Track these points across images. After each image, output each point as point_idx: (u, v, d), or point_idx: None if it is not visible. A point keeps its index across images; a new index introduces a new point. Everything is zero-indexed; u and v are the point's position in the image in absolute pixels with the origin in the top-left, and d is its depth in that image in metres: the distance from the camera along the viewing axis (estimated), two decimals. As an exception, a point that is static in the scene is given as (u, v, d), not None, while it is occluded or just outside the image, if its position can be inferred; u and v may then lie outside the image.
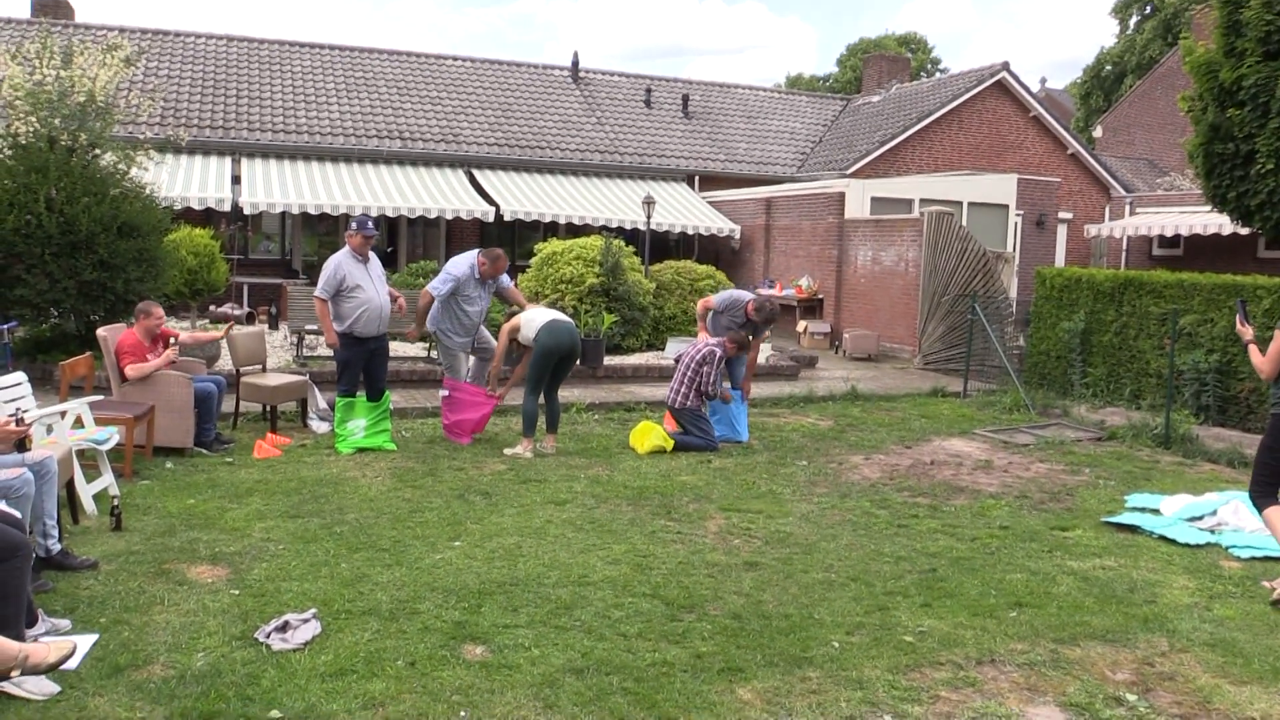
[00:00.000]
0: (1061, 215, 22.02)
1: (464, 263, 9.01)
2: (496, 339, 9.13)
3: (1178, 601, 5.48)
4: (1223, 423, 10.56)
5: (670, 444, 8.84)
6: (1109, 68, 44.72)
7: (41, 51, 11.02)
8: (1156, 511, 7.27)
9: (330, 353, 9.22)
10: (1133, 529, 6.88)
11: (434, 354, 12.54)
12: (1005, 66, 22.72)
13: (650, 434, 8.85)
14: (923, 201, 17.06)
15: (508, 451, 8.53)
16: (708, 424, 9.07)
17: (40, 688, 3.87)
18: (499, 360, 8.92)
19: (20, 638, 4.05)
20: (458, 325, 9.07)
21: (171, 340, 8.39)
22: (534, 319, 8.60)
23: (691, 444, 8.93)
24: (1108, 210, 23.82)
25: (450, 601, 5.04)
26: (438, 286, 8.93)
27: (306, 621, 4.61)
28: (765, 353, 14.36)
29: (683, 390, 9.06)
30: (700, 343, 9.21)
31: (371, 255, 8.68)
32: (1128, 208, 23.17)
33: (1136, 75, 40.37)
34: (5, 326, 10.06)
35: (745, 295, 9.62)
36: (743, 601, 5.22)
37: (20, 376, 6.57)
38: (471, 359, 9.46)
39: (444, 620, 4.78)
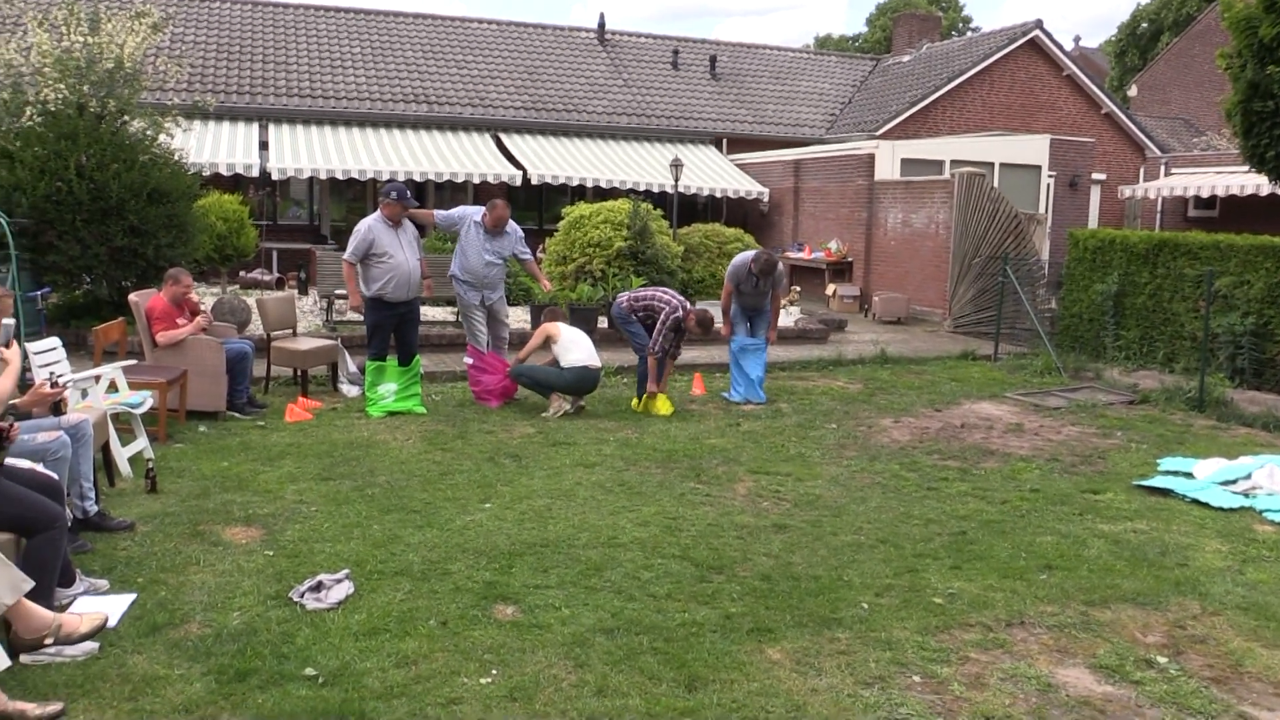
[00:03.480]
0: (1095, 176, 21.66)
1: (475, 208, 9.27)
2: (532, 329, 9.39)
3: (1210, 565, 5.44)
4: (1258, 386, 10.42)
5: (667, 407, 8.88)
6: (1145, 25, 43.76)
7: (69, 18, 11.03)
8: (1189, 475, 7.20)
9: (359, 317, 9.30)
10: (1165, 492, 6.83)
11: (461, 318, 12.56)
12: (1038, 25, 22.30)
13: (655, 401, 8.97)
14: (954, 163, 16.82)
15: (544, 415, 8.59)
16: (638, 334, 9.12)
17: (82, 648, 3.95)
18: (525, 355, 8.89)
19: (51, 603, 4.12)
20: (465, 274, 9.07)
21: (202, 307, 8.46)
22: (571, 350, 8.66)
23: (640, 372, 9.14)
24: (1142, 171, 23.41)
25: (481, 562, 5.08)
26: (440, 211, 9.38)
27: (340, 582, 4.67)
28: (794, 316, 14.30)
29: (626, 303, 9.18)
30: (675, 301, 9.08)
31: (405, 221, 8.68)
32: (1163, 168, 22.77)
33: (1173, 32, 39.52)
34: (39, 293, 10.18)
35: (746, 255, 9.53)
36: (772, 563, 5.23)
37: (55, 341, 6.67)
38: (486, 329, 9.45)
39: (475, 581, 4.83)
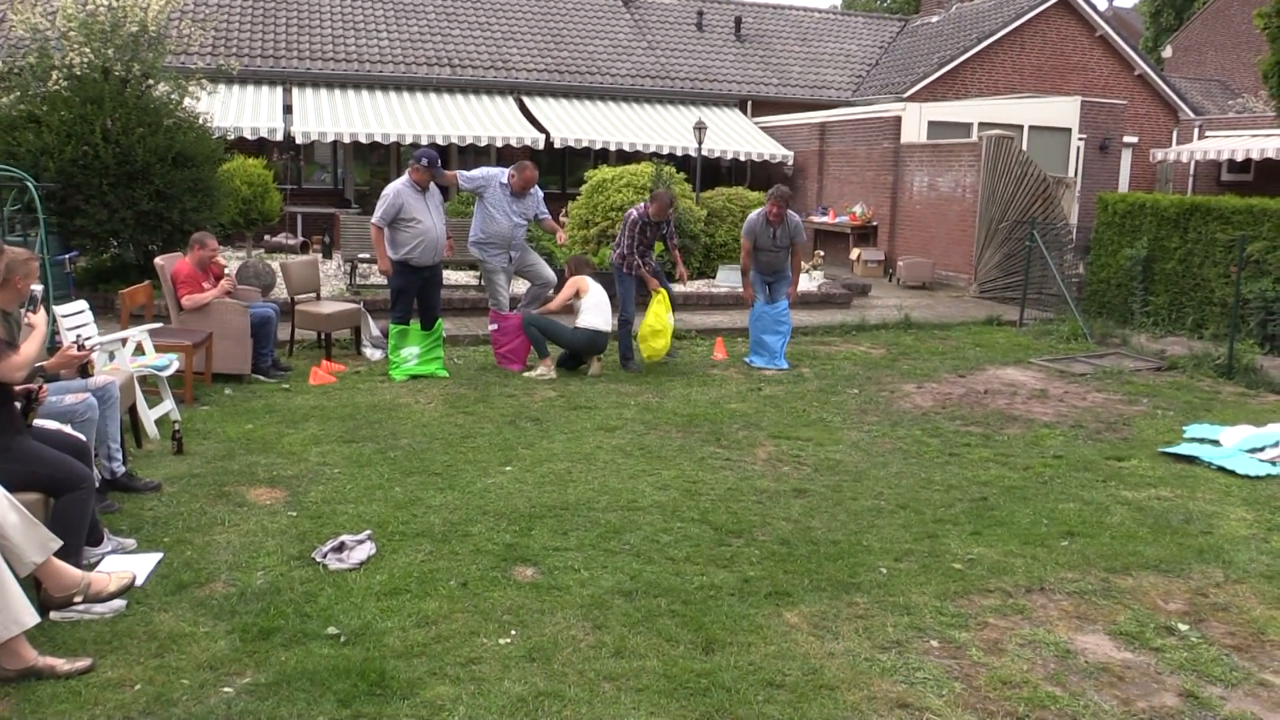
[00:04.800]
0: (1126, 139, 21.31)
1: (499, 170, 9.16)
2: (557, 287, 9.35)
3: (1235, 533, 5.40)
4: (1289, 352, 10.29)
5: (664, 343, 8.99)
6: (1181, -16, 42.81)
7: (93, -19, 11.04)
8: (1216, 442, 7.14)
9: (383, 281, 9.32)
10: (1191, 460, 6.77)
11: (484, 282, 12.58)
12: (1071, -17, 21.87)
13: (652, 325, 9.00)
14: (982, 125, 16.58)
15: (527, 374, 8.71)
16: (627, 294, 9.18)
17: (110, 606, 4.02)
18: (557, 307, 8.96)
19: (80, 562, 4.19)
20: (491, 237, 9.01)
21: (227, 271, 8.51)
22: (591, 311, 8.74)
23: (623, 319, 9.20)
24: (1175, 134, 23.01)
25: (501, 524, 5.12)
26: (464, 172, 9.22)
27: (362, 543, 4.72)
28: (817, 280, 14.22)
29: (618, 259, 9.26)
30: (632, 212, 9.21)
31: (432, 186, 8.70)
32: (1196, 131, 22.36)
33: (1210, -9, 38.64)
34: (67, 256, 10.27)
35: (759, 211, 9.46)
36: (791, 527, 5.23)
37: (82, 305, 6.73)
38: (523, 288, 9.47)
39: (495, 543, 4.87)
